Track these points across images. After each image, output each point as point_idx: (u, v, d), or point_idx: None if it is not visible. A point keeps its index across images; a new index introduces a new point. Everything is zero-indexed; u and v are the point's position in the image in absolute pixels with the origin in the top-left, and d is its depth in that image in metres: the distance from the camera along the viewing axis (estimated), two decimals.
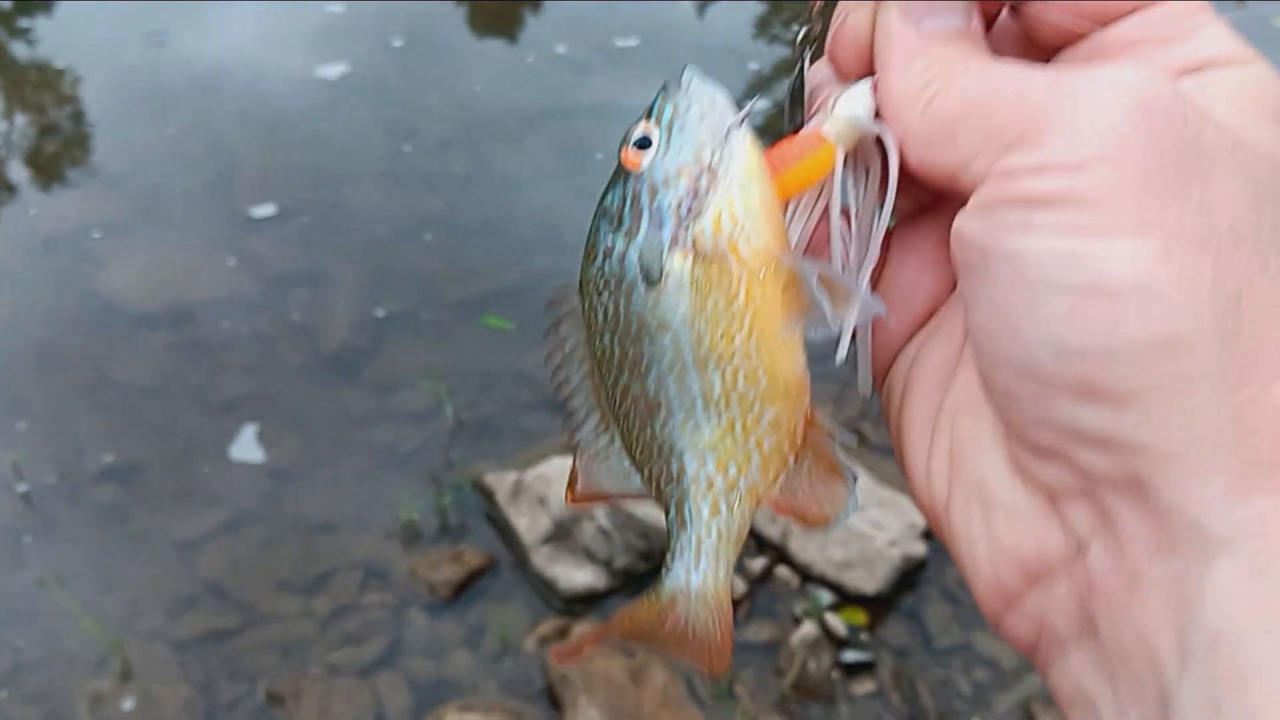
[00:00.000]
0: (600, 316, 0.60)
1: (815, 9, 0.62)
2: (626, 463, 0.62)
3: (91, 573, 3.11)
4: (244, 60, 5.18)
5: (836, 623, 2.95)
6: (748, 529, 0.61)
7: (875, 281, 0.62)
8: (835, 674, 2.89)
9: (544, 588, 3.05)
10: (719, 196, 0.57)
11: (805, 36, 0.62)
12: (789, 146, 0.59)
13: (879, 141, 0.58)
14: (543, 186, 4.43)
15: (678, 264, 0.57)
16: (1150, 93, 0.48)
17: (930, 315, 0.61)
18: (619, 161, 0.60)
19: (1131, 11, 0.54)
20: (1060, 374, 0.48)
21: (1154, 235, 0.47)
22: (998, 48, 0.59)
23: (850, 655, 2.91)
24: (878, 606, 3.03)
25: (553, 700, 2.81)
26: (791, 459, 0.59)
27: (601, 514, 3.08)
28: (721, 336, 0.57)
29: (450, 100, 4.98)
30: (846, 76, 0.60)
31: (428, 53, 5.34)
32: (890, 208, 0.59)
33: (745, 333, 0.57)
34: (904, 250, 0.62)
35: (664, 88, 0.60)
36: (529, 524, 3.11)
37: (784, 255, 0.57)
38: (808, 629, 2.91)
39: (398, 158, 4.63)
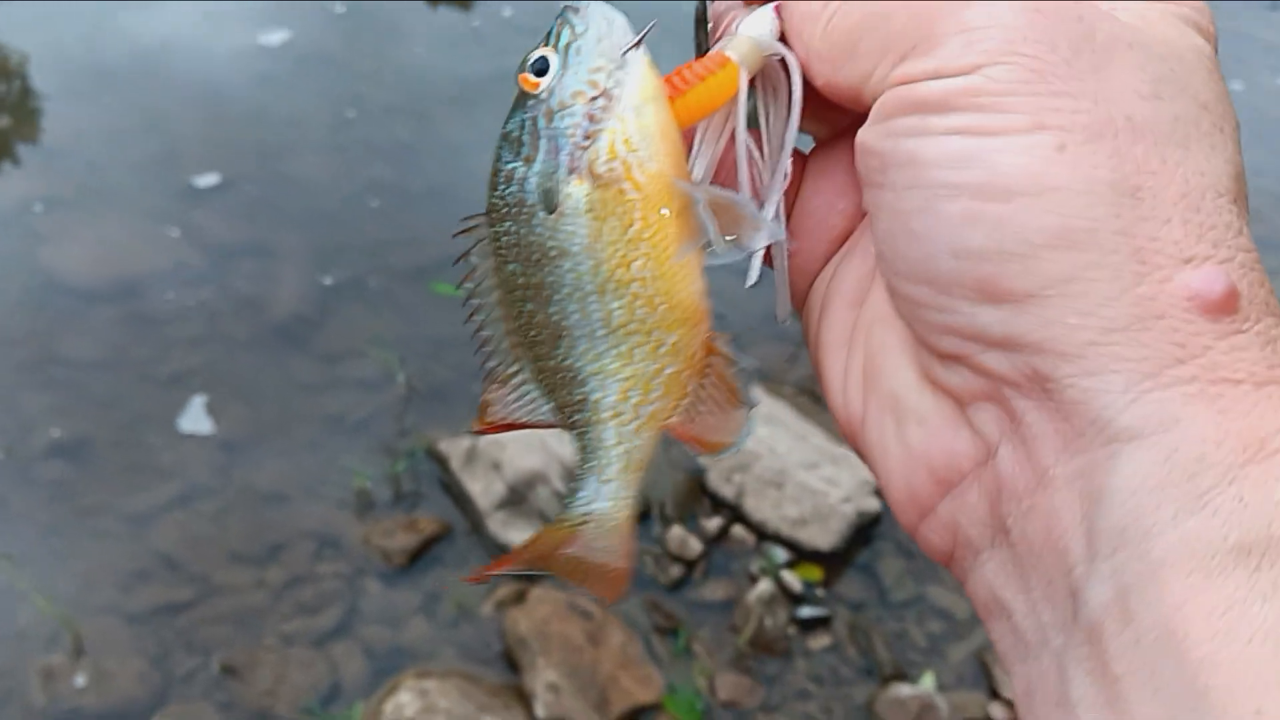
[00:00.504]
0: (505, 244, 0.59)
1: None
2: (537, 391, 0.62)
3: (42, 549, 3.07)
4: (184, 29, 5.08)
5: (792, 579, 2.97)
6: (651, 454, 0.61)
7: (790, 205, 0.62)
8: (791, 629, 2.91)
9: (499, 553, 3.04)
10: (614, 121, 0.57)
11: None
12: (691, 69, 0.59)
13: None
14: (488, 151, 4.39)
15: (575, 190, 0.57)
16: None
17: (846, 237, 0.61)
18: (518, 86, 0.60)
19: None
20: (959, 276, 0.48)
21: (1048, 130, 0.47)
22: None
23: (806, 611, 2.93)
24: (833, 562, 3.05)
25: (510, 664, 2.81)
26: (693, 385, 0.60)
27: (556, 478, 3.08)
28: (619, 263, 0.57)
29: (395, 66, 4.92)
30: (754, 0, 0.60)
31: (371, 18, 5.26)
32: (795, 129, 0.59)
33: (642, 259, 0.57)
34: (819, 175, 0.62)
35: (562, 12, 0.59)
36: (483, 489, 3.10)
37: (677, 179, 0.57)
38: (764, 586, 2.92)
39: (342, 125, 4.57)
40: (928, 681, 2.81)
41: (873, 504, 3.10)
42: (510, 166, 0.59)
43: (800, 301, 0.64)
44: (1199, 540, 0.42)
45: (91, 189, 4.23)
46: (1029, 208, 0.46)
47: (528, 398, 0.62)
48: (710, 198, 0.56)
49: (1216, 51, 0.53)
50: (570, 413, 0.61)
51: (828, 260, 0.62)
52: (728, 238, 0.56)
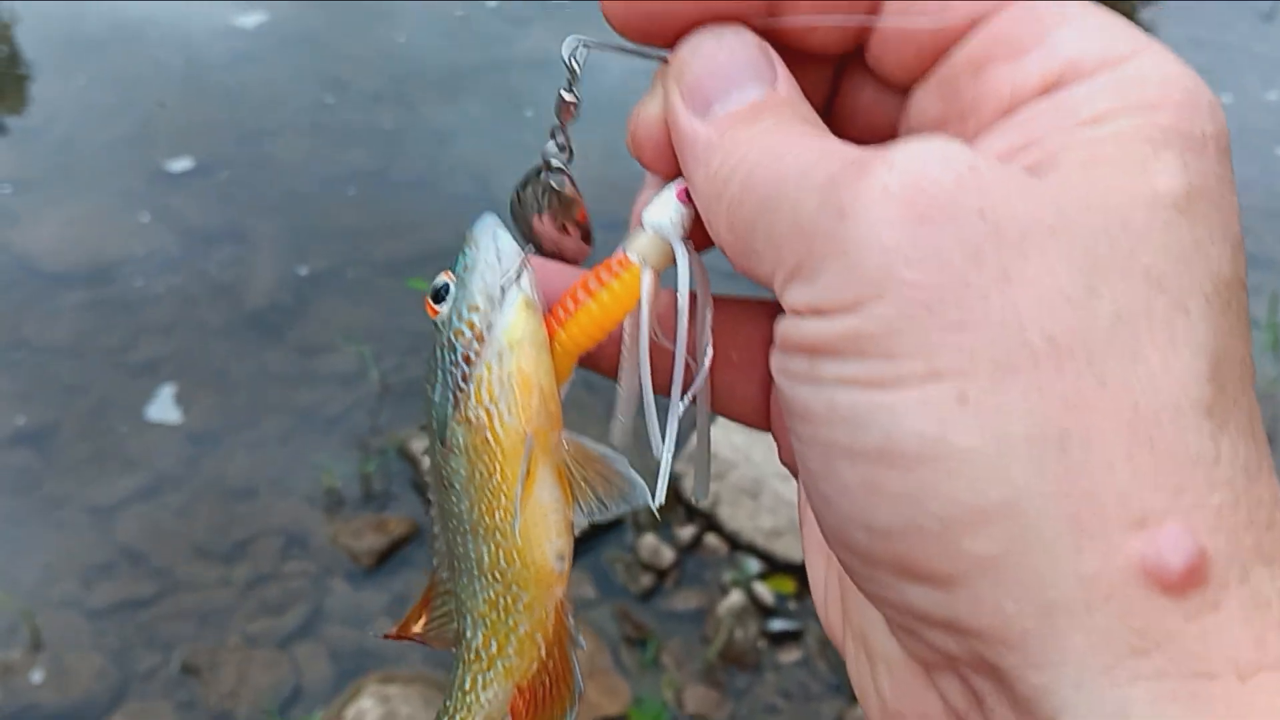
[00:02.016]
0: (431, 464, 0.58)
1: (565, 121, 0.55)
2: (452, 607, 0.60)
3: (2, 539, 3.02)
4: (156, 8, 5.00)
5: (764, 591, 2.93)
6: (499, 715, 0.59)
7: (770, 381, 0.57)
8: (762, 642, 2.87)
9: None
10: (482, 366, 0.54)
11: (556, 130, 0.56)
12: (591, 279, 0.54)
13: None
14: (472, 142, 4.33)
15: (457, 429, 0.55)
16: (928, 189, 0.39)
17: None
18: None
19: (974, 24, 0.45)
20: (874, 553, 0.41)
21: (945, 379, 0.38)
22: (857, 83, 0.52)
23: (777, 624, 2.90)
24: (806, 574, 3.01)
25: None
26: (543, 651, 0.57)
27: None
28: (486, 509, 0.55)
29: (374, 52, 4.85)
30: (665, 177, 0.53)
31: (351, 3, 5.18)
32: (683, 342, 0.53)
33: (502, 511, 0.54)
34: None
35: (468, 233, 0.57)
36: None
37: (527, 440, 0.53)
38: (735, 598, 2.89)
39: (320, 110, 4.51)
40: None
41: None
42: (427, 390, 0.57)
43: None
44: None
45: (63, 170, 4.16)
46: (934, 478, 0.38)
47: (445, 611, 0.60)
48: (577, 456, 0.54)
49: (1227, 150, 0.42)
50: (456, 643, 0.59)
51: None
52: (598, 496, 0.54)
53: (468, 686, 0.58)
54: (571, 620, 0.57)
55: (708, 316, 0.53)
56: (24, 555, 2.98)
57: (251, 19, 4.96)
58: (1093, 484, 0.37)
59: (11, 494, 3.12)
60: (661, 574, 2.99)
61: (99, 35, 4.83)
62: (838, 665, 2.84)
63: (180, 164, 4.15)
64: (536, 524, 0.54)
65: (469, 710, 0.58)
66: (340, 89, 4.60)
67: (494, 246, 0.55)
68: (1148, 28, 5.32)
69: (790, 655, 2.86)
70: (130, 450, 3.24)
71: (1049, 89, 0.43)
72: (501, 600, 0.56)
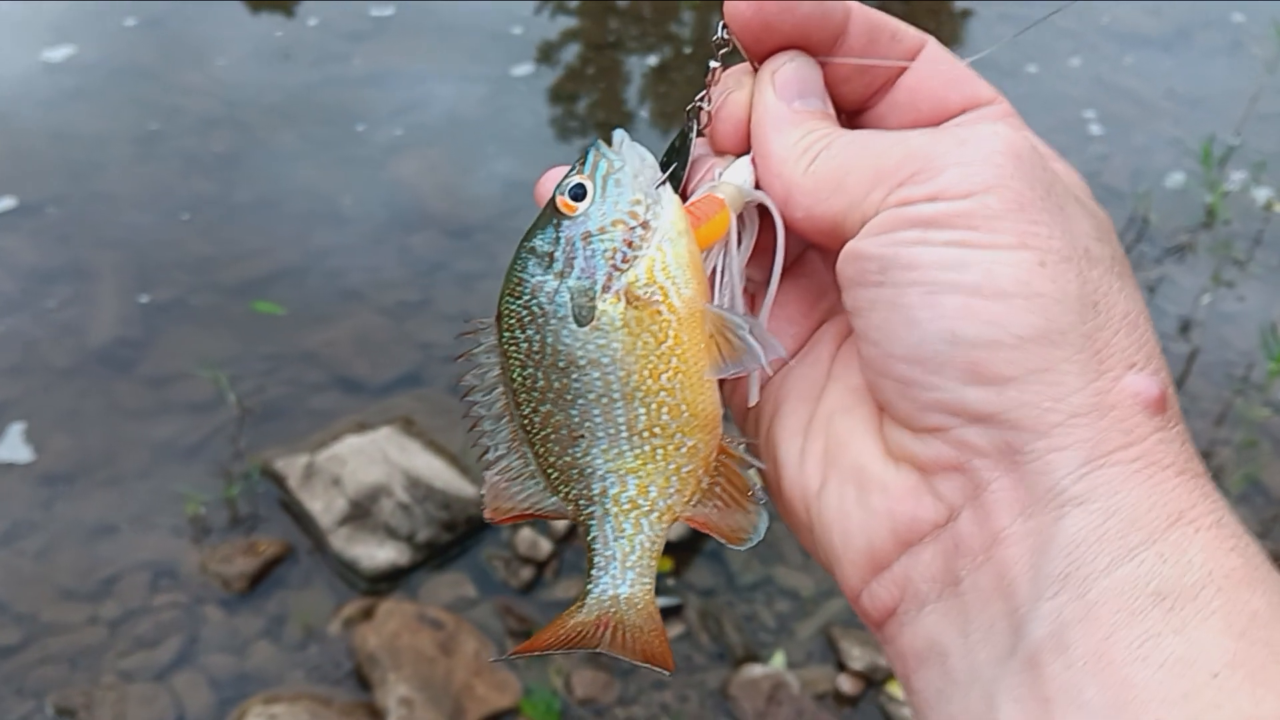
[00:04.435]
0: (523, 349, 0.66)
1: (710, 85, 0.70)
2: (540, 484, 0.68)
3: None
4: None
5: None
6: (664, 541, 0.68)
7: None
8: None
9: (345, 569, 2.98)
10: (652, 249, 0.65)
11: (694, 108, 0.70)
12: (696, 207, 0.67)
13: (757, 207, 0.68)
14: (306, 160, 4.29)
15: (610, 307, 0.64)
16: (1018, 142, 0.60)
17: (794, 353, 0.72)
18: (551, 205, 0.66)
19: (902, 71, 0.69)
20: (953, 359, 0.58)
21: (1030, 249, 0.58)
22: None
23: (659, 601, 2.94)
24: (682, 551, 3.08)
25: (362, 682, 2.76)
26: (705, 481, 0.67)
27: (400, 489, 3.03)
28: (649, 374, 0.64)
29: (196, 77, 4.75)
30: (724, 150, 0.69)
31: (165, 31, 5.06)
32: (781, 259, 0.68)
33: (671, 372, 0.64)
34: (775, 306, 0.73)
35: (594, 144, 0.67)
36: (324, 507, 3.04)
37: (713, 306, 0.65)
38: None
39: (146, 138, 4.40)
40: (778, 660, 2.87)
41: None
42: (538, 279, 0.65)
43: (743, 408, 0.72)
44: (1127, 584, 0.53)
45: None
46: (1018, 308, 0.57)
47: (533, 489, 0.68)
48: (716, 323, 0.64)
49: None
50: (583, 505, 0.67)
51: (776, 372, 0.72)
52: (724, 357, 0.65)
53: (630, 530, 0.67)
54: (737, 448, 0.67)
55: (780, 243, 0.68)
56: None
57: (59, 53, 4.81)
58: (1108, 337, 0.57)
59: None
60: (540, 566, 3.01)
61: None
62: (719, 635, 2.91)
63: (3, 204, 4.02)
64: (704, 378, 0.65)
65: (641, 548, 0.67)
66: (165, 116, 4.51)
67: (639, 154, 0.67)
68: (963, 10, 5.55)
69: (673, 630, 2.92)
70: None
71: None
72: (661, 451, 0.65)
